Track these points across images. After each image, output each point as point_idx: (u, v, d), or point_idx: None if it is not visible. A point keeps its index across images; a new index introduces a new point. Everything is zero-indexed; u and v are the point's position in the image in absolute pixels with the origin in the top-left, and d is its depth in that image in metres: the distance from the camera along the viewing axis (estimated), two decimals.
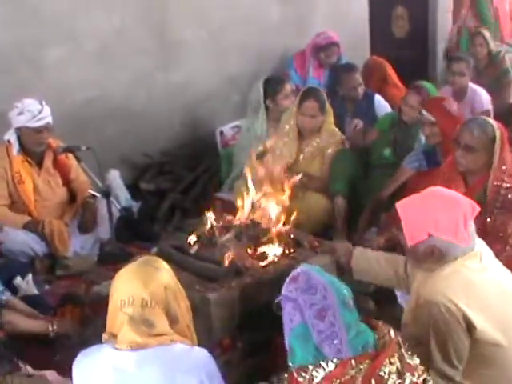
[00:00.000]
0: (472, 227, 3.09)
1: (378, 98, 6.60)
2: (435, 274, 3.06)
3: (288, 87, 6.01)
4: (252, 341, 3.66)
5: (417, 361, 2.66)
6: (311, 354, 2.54)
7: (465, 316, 2.92)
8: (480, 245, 3.21)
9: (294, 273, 2.76)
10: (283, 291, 2.72)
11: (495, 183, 4.32)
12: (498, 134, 4.29)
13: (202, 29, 6.90)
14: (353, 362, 2.50)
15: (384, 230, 4.79)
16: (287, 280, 2.74)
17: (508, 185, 4.30)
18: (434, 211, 3.02)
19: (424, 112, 5.16)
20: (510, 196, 4.32)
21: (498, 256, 3.85)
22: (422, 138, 5.46)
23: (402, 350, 2.64)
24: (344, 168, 5.46)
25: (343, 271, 3.88)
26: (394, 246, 4.39)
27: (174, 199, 6.16)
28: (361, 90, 6.49)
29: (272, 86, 5.97)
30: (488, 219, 4.34)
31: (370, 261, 3.79)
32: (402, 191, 4.91)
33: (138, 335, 2.68)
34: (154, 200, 6.18)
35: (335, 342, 2.53)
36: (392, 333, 2.67)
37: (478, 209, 3.12)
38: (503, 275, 3.25)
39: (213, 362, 2.84)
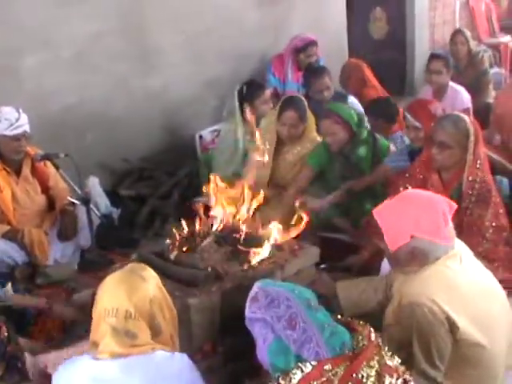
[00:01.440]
0: (451, 226, 3.11)
1: (351, 99, 6.64)
2: (417, 276, 3.07)
3: (267, 92, 6.05)
4: (233, 345, 3.65)
5: (397, 361, 2.67)
6: (294, 364, 2.55)
7: (448, 317, 2.93)
8: (459, 245, 3.22)
9: (251, 293, 2.75)
10: (247, 314, 2.72)
11: (470, 178, 4.38)
12: (471, 129, 4.37)
13: (180, 34, 6.88)
14: (329, 365, 2.50)
15: (366, 242, 4.81)
16: (248, 302, 2.74)
17: (482, 179, 4.37)
18: (414, 212, 3.04)
19: (408, 116, 5.18)
20: (484, 190, 4.38)
21: (475, 249, 3.92)
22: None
23: (383, 353, 2.64)
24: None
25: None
26: (379, 258, 4.42)
27: (153, 205, 6.14)
28: (327, 93, 6.50)
29: (251, 90, 5.98)
30: (464, 213, 4.40)
31: (356, 297, 3.77)
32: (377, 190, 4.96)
33: (119, 346, 2.68)
34: (133, 206, 6.16)
35: (311, 345, 2.53)
36: (372, 335, 2.67)
37: (454, 206, 3.15)
38: (483, 275, 3.27)
39: (194, 369, 2.83)
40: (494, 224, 4.48)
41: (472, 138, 4.37)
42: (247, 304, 2.75)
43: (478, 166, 4.42)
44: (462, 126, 4.38)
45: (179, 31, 6.87)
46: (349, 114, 5.34)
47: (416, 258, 3.05)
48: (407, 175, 4.80)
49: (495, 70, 9.25)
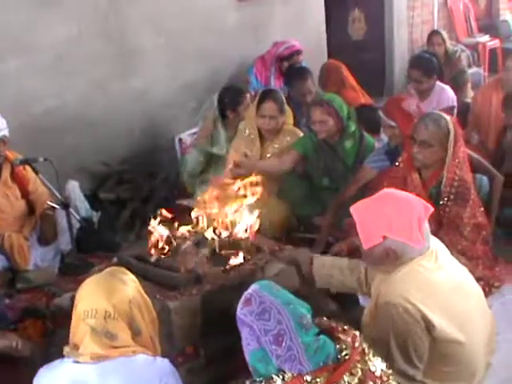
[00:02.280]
0: (426, 228, 3.11)
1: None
2: (392, 276, 3.08)
3: (248, 97, 6.08)
4: (215, 348, 3.65)
5: (382, 366, 2.67)
6: (274, 373, 2.56)
7: (423, 316, 2.94)
8: (435, 243, 3.24)
9: (246, 294, 2.74)
10: (238, 312, 2.72)
11: (449, 176, 4.42)
12: (452, 128, 4.40)
13: (159, 36, 6.88)
14: (310, 376, 2.50)
15: (347, 237, 4.82)
16: (241, 301, 2.73)
17: (461, 178, 4.40)
18: (388, 214, 3.04)
19: (382, 115, 5.21)
20: (463, 188, 4.42)
21: (454, 246, 3.95)
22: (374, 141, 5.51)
23: (366, 358, 2.64)
24: None
25: (305, 279, 3.90)
26: (357, 252, 4.44)
27: (134, 208, 6.13)
28: (309, 97, 6.50)
29: (233, 97, 6.00)
30: (443, 211, 4.43)
31: (331, 269, 3.78)
32: (365, 192, 4.95)
33: (99, 347, 2.68)
34: (114, 209, 6.14)
35: (295, 363, 2.54)
36: (357, 342, 2.67)
37: (431, 209, 3.15)
38: (458, 272, 3.29)
39: (175, 372, 2.84)
40: (472, 222, 4.52)
41: (452, 137, 4.42)
42: (240, 302, 2.75)
43: (457, 164, 4.46)
44: (443, 125, 4.43)
45: (158, 33, 6.86)
46: (340, 106, 5.37)
47: (389, 257, 3.05)
48: (391, 176, 4.82)
49: (474, 69, 9.31)
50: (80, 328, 2.73)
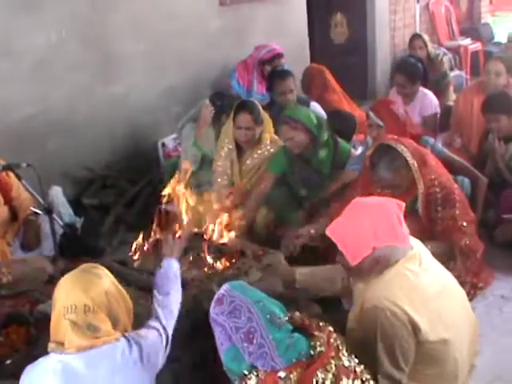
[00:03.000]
0: (405, 225, 3.14)
1: (313, 104, 6.67)
2: (378, 280, 3.09)
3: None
4: (200, 351, 3.66)
5: (355, 362, 2.69)
6: (247, 371, 2.58)
7: (410, 319, 2.95)
8: (418, 246, 3.25)
9: (218, 294, 2.78)
10: (210, 312, 2.75)
11: (429, 191, 4.39)
12: (409, 159, 4.33)
13: (141, 41, 6.87)
14: (283, 372, 2.52)
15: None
16: (213, 301, 2.76)
17: (440, 184, 4.39)
18: (369, 224, 3.04)
19: (371, 115, 5.22)
20: (446, 193, 4.41)
21: (458, 244, 4.22)
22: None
23: (340, 354, 2.66)
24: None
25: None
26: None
27: (117, 213, 6.12)
28: (291, 96, 6.51)
29: (228, 100, 6.02)
30: (436, 223, 4.44)
31: (314, 280, 3.83)
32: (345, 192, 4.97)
33: (83, 339, 2.74)
34: (97, 215, 6.13)
35: (267, 359, 2.56)
36: (332, 338, 2.69)
37: (403, 204, 3.18)
38: (442, 275, 3.31)
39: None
40: (466, 218, 4.52)
41: (415, 168, 4.37)
42: (212, 303, 2.77)
43: (432, 180, 4.43)
44: (398, 165, 4.34)
45: (140, 38, 6.86)
46: (307, 118, 5.31)
47: (379, 264, 3.07)
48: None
49: (456, 72, 9.35)
50: (61, 325, 2.77)
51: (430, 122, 6.25)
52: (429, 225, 4.47)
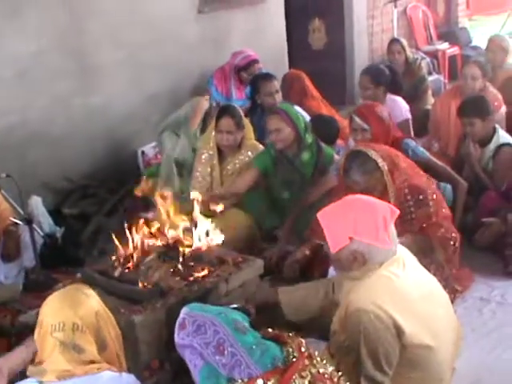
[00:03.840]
0: (393, 231, 3.15)
1: (297, 109, 6.66)
2: (362, 282, 3.10)
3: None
4: (180, 361, 3.65)
5: (330, 368, 2.71)
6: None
7: (394, 322, 2.97)
8: (402, 251, 3.27)
9: (179, 320, 2.81)
10: (176, 340, 2.76)
11: (400, 194, 4.42)
12: (380, 162, 4.37)
13: (120, 50, 6.87)
14: (261, 380, 2.53)
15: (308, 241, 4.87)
16: (176, 329, 2.79)
17: (409, 191, 4.43)
18: (353, 215, 3.08)
19: (356, 118, 5.24)
20: (416, 193, 4.44)
21: (435, 234, 4.32)
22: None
23: (314, 361, 2.68)
24: None
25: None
26: (319, 255, 4.46)
27: (98, 223, 6.10)
28: (278, 97, 6.55)
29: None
30: (411, 224, 4.46)
31: (297, 295, 3.80)
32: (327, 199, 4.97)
33: (66, 361, 2.67)
34: (77, 225, 6.11)
35: (242, 367, 2.57)
36: (303, 347, 2.71)
37: (397, 212, 3.19)
38: (426, 279, 3.33)
39: None
40: (441, 214, 4.54)
41: (386, 172, 4.39)
42: (175, 331, 2.79)
43: (403, 186, 4.46)
44: (370, 168, 4.36)
45: (119, 47, 6.85)
46: (295, 115, 5.40)
47: (356, 260, 3.08)
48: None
49: (434, 76, 9.41)
50: (47, 343, 2.71)
51: (402, 128, 6.25)
52: (404, 226, 4.50)
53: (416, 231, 4.45)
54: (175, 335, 2.78)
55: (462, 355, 3.59)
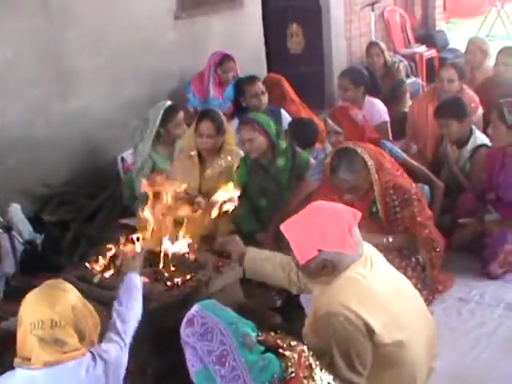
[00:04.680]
0: (357, 234, 3.17)
1: (283, 112, 6.78)
2: (330, 286, 3.11)
3: (179, 116, 6.05)
4: (161, 365, 3.66)
5: (329, 379, 2.72)
6: None
7: (364, 322, 2.97)
8: (368, 249, 3.29)
9: (189, 315, 2.78)
10: (181, 333, 2.74)
11: (385, 193, 4.46)
12: (368, 160, 4.41)
13: (98, 56, 6.87)
14: None
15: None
16: (184, 322, 2.77)
17: (394, 191, 4.46)
18: (319, 226, 3.08)
19: (329, 121, 5.27)
20: (401, 193, 4.48)
21: (420, 235, 4.39)
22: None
23: (313, 374, 2.68)
24: None
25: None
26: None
27: (77, 229, 6.09)
28: (264, 98, 6.58)
29: (165, 113, 6.00)
30: (396, 223, 4.49)
31: (262, 262, 3.79)
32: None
33: (49, 354, 2.75)
34: (57, 231, 6.10)
35: (239, 382, 2.57)
36: (303, 357, 2.71)
37: (359, 215, 3.21)
38: (394, 276, 3.35)
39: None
40: (424, 214, 4.59)
41: (373, 171, 4.44)
42: (183, 324, 2.77)
43: (387, 186, 4.50)
44: (358, 167, 4.42)
45: (97, 53, 6.86)
46: (267, 123, 5.39)
47: (326, 268, 3.09)
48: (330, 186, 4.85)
49: (412, 79, 9.47)
50: (28, 341, 2.77)
51: (381, 130, 6.29)
52: (389, 226, 4.54)
53: (401, 231, 4.50)
54: (181, 328, 2.77)
55: (441, 355, 3.63)
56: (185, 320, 2.78)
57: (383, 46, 8.39)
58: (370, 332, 3.00)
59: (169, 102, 6.21)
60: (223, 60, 7.38)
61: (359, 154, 4.43)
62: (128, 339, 3.16)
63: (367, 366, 3.06)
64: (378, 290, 3.11)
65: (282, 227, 3.20)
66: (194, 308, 2.81)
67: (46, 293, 2.89)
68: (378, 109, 6.81)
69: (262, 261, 3.80)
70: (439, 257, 4.65)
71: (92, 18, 6.78)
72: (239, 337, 2.67)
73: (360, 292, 3.06)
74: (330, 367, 2.97)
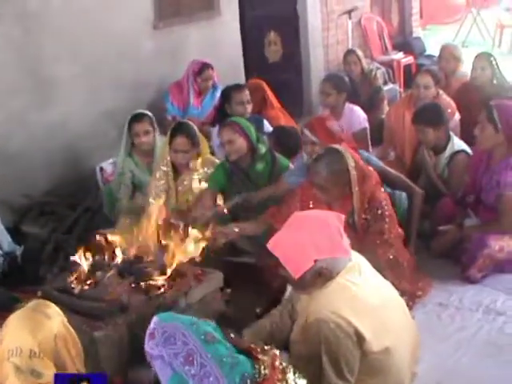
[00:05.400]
0: (346, 237, 3.19)
1: (265, 121, 6.78)
2: (320, 293, 3.13)
3: (141, 126, 5.97)
4: (144, 376, 3.65)
5: (303, 383, 2.72)
6: None
7: (355, 330, 3.00)
8: (356, 257, 3.31)
9: (150, 329, 2.79)
10: (145, 348, 2.76)
11: (363, 205, 4.47)
12: (351, 168, 4.42)
13: (76, 65, 6.83)
14: None
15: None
16: (146, 337, 2.78)
17: (370, 204, 4.48)
18: (311, 238, 3.10)
19: (306, 131, 5.27)
20: (375, 205, 4.49)
21: (383, 257, 4.29)
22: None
23: (287, 377, 2.69)
24: None
25: None
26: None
27: (57, 240, 6.06)
28: (249, 107, 6.59)
29: (130, 123, 5.99)
30: (364, 230, 4.51)
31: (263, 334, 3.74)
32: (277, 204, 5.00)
33: None
34: (37, 242, 6.06)
35: (211, 379, 2.57)
36: (277, 362, 2.71)
37: (342, 217, 3.24)
38: (382, 285, 3.37)
39: None
40: (394, 232, 4.60)
41: (354, 173, 4.46)
42: (146, 339, 2.78)
43: (365, 194, 4.51)
44: (337, 168, 4.43)
45: (75, 62, 6.81)
46: (247, 126, 5.42)
47: (322, 275, 3.11)
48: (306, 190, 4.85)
49: (390, 86, 9.51)
50: (4, 366, 2.72)
51: (360, 137, 6.32)
52: (366, 237, 4.55)
53: (366, 243, 4.48)
54: (145, 344, 2.77)
55: (423, 359, 3.67)
56: (146, 335, 2.79)
57: (360, 53, 8.43)
58: (361, 339, 3.02)
59: (140, 111, 6.19)
60: (202, 68, 7.37)
61: (345, 160, 4.44)
62: None
63: (355, 373, 3.08)
64: (368, 297, 3.13)
65: (270, 247, 3.19)
66: (153, 321, 2.83)
67: (30, 317, 2.83)
68: (357, 115, 6.85)
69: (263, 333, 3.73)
70: (405, 272, 4.64)
71: (70, 27, 6.73)
72: (201, 335, 2.69)
73: (350, 299, 3.08)
74: (318, 374, 2.98)
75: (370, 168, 4.73)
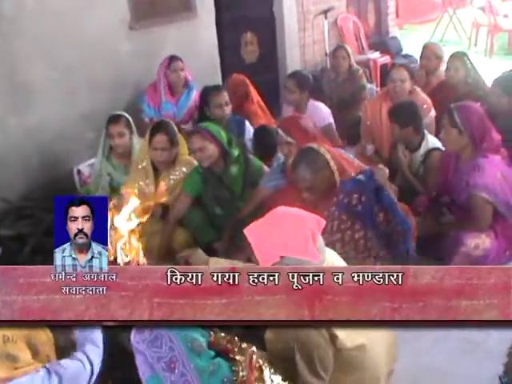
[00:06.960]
0: (321, 242, 3.19)
1: (247, 123, 6.79)
2: None
3: (116, 127, 6.00)
4: (122, 379, 3.65)
5: (279, 379, 2.73)
6: None
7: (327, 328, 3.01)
8: (331, 255, 3.32)
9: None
10: (131, 339, 2.76)
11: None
12: (330, 161, 4.45)
13: (52, 68, 6.81)
14: None
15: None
16: (133, 330, 2.77)
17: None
18: (282, 233, 3.10)
19: (280, 132, 5.27)
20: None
21: None
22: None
23: (263, 375, 2.70)
24: None
25: None
26: None
27: (35, 243, 6.03)
28: (228, 109, 6.60)
29: (107, 125, 6.00)
30: None
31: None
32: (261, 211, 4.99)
33: (2, 370, 2.73)
34: (15, 246, 6.04)
35: None
36: (254, 359, 2.72)
37: (323, 222, 3.23)
38: None
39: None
40: None
41: (334, 166, 4.49)
42: (133, 331, 2.78)
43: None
44: (319, 166, 4.46)
45: (50, 65, 6.80)
46: (217, 131, 5.39)
47: None
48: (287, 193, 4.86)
49: (368, 85, 9.53)
50: None
51: (327, 133, 6.33)
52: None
53: None
54: (132, 335, 2.77)
55: (400, 356, 3.68)
56: (134, 328, 2.79)
57: (350, 49, 8.50)
58: (333, 337, 3.03)
59: (116, 113, 6.20)
60: (171, 60, 7.36)
61: (322, 155, 4.45)
62: (95, 361, 3.10)
63: (329, 370, 3.10)
64: None
65: (246, 230, 3.21)
66: None
67: None
68: (321, 111, 6.93)
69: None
70: None
71: (44, 29, 6.71)
72: (188, 342, 2.69)
73: None
74: (292, 371, 2.99)
75: (346, 156, 4.75)
